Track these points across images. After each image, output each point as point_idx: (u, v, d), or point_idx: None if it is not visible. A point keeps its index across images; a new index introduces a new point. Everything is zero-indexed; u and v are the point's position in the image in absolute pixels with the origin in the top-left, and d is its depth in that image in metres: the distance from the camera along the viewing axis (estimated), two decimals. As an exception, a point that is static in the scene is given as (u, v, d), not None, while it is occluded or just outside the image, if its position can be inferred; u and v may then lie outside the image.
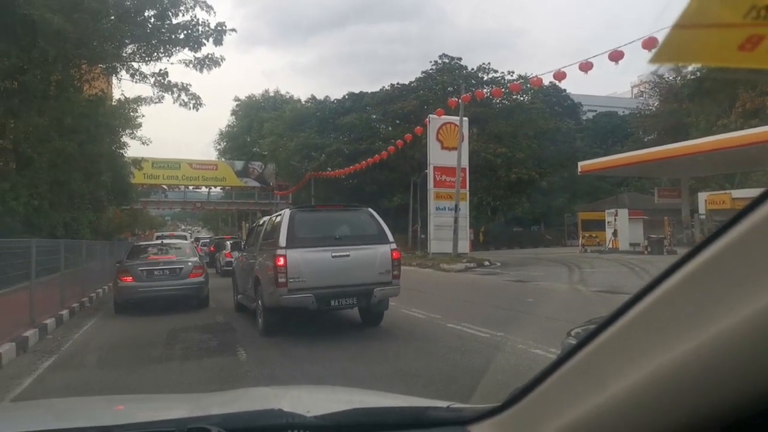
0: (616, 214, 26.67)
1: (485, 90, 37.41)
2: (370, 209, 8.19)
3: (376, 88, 48.93)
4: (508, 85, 38.87)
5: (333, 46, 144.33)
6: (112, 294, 11.70)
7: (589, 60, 16.83)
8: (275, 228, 7.82)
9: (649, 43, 14.53)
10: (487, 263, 22.54)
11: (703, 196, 30.97)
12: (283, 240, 7.26)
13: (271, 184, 53.14)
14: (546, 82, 26.36)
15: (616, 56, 15.46)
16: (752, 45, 0.57)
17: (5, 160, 15.01)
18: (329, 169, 43.61)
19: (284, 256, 7.12)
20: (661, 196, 35.08)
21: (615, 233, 26.33)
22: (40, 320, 8.34)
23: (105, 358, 6.77)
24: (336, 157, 44.49)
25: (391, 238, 7.79)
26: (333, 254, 7.31)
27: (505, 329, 7.43)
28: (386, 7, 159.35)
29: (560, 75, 18.11)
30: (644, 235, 26.17)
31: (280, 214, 8.03)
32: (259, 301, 7.95)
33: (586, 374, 0.85)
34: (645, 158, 29.17)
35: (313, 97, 54.23)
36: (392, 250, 7.64)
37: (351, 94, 49.89)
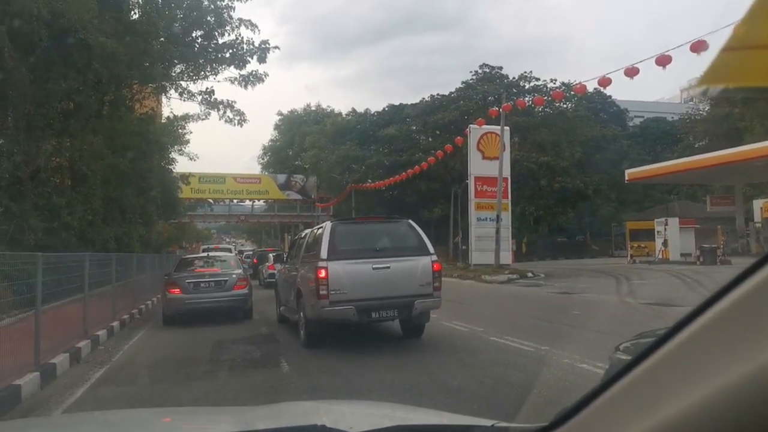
0: (666, 223, 25.73)
1: (527, 99, 36.92)
2: (410, 221, 8.17)
3: (416, 100, 49.08)
4: (551, 92, 38.25)
5: (374, 60, 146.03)
6: (160, 305, 12.05)
7: (635, 65, 16.46)
8: (317, 240, 7.89)
9: (697, 45, 14.08)
10: (530, 274, 22.10)
11: (758, 204, 29.61)
12: (324, 252, 7.32)
13: (312, 196, 53.87)
14: (590, 89, 25.96)
15: (663, 61, 15.02)
16: None
17: (62, 177, 15.75)
18: (370, 180, 43.88)
19: (326, 269, 7.17)
20: (714, 204, 33.70)
21: (665, 243, 25.38)
22: (93, 331, 8.66)
23: (153, 369, 6.95)
24: (376, 169, 44.78)
25: (431, 249, 7.74)
26: (374, 266, 7.32)
27: (551, 343, 7.24)
28: (427, 19, 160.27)
29: (605, 81, 17.69)
30: (696, 244, 25.15)
31: (321, 227, 8.11)
32: (302, 313, 8.03)
33: (638, 395, 0.81)
34: (696, 165, 28.13)
35: (354, 110, 54.86)
36: (433, 261, 7.59)
37: (391, 106, 50.22)
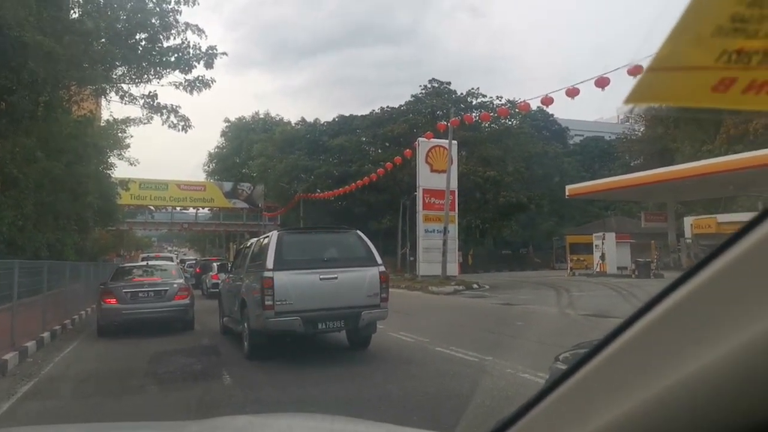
0: (603, 238, 26.86)
1: (474, 114, 37.86)
2: (358, 231, 8.17)
3: (366, 111, 49.47)
4: (497, 109, 39.38)
5: (324, 70, 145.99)
6: (95, 316, 11.50)
7: (575, 86, 17.22)
8: (263, 250, 7.77)
9: (634, 70, 14.97)
10: (475, 286, 22.51)
11: (689, 221, 31.32)
12: (270, 262, 7.21)
13: (259, 205, 53.01)
14: (534, 107, 26.98)
15: (602, 83, 15.79)
16: (725, 87, 0.59)
17: (-10, 180, 14.82)
18: (318, 190, 43.69)
19: (271, 278, 7.06)
20: (648, 220, 35.43)
21: (603, 257, 26.48)
22: (21, 343, 8.16)
23: (85, 382, 6.63)
24: (325, 179, 44.62)
25: (379, 260, 7.77)
26: (321, 276, 7.26)
27: (494, 353, 7.39)
28: (378, 32, 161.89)
29: (547, 100, 18.43)
30: (631, 258, 26.33)
31: (267, 236, 8.00)
32: (246, 324, 7.86)
33: (573, 404, 0.82)
34: (632, 182, 29.57)
35: (303, 120, 54.60)
36: (380, 272, 7.61)
37: (341, 117, 50.31)
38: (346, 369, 7.06)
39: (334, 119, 50.72)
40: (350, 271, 7.48)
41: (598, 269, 26.69)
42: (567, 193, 35.51)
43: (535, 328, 10.36)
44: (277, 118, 63.07)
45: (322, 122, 52.46)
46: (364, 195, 40.65)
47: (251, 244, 9.20)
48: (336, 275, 7.33)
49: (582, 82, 16.96)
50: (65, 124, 18.86)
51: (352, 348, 8.29)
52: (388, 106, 47.59)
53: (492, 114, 39.44)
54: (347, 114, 50.15)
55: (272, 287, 7.02)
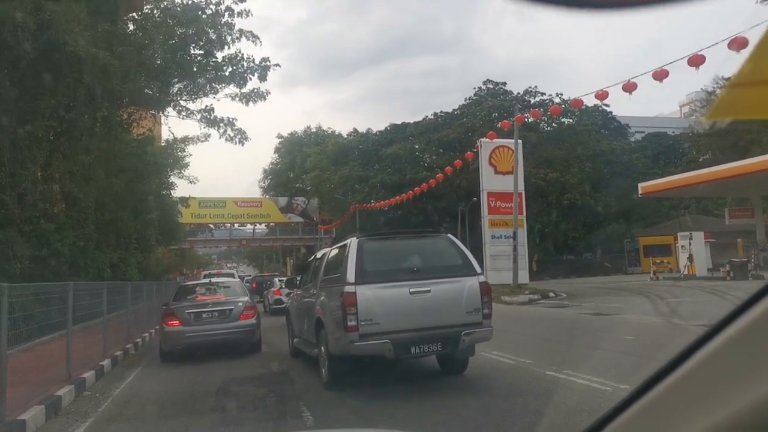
0: (690, 238, 24.49)
1: (526, 115, 36.06)
2: (450, 235, 6.98)
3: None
4: (549, 108, 37.45)
5: (371, 83, 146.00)
6: (158, 338, 10.81)
7: (632, 80, 16.28)
8: (340, 260, 6.68)
9: (695, 60, 13.98)
10: (552, 294, 20.83)
11: (775, 216, 28.47)
12: (351, 274, 6.11)
13: (315, 218, 52.81)
14: (589, 104, 25.40)
15: (660, 75, 14.97)
16: None
17: (51, 200, 14.60)
18: (373, 201, 42.81)
19: (354, 294, 5.95)
20: (733, 217, 32.55)
21: (690, 258, 24.11)
22: (78, 374, 7.40)
23: (146, 423, 5.71)
24: (380, 189, 43.78)
25: (478, 269, 6.53)
26: (411, 290, 6.09)
27: (626, 379, 5.99)
28: (423, 42, 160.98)
29: (602, 95, 17.65)
30: (711, 258, 23.96)
31: (344, 244, 6.90)
32: (323, 348, 6.78)
33: (652, 420, 0.80)
34: (713, 177, 27.05)
35: (355, 130, 54.04)
36: (481, 283, 6.35)
37: (393, 125, 49.50)
38: (444, 402, 5.87)
39: (386, 128, 49.97)
40: (445, 283, 6.27)
41: (685, 272, 24.33)
42: (640, 192, 33.24)
43: (652, 343, 8.80)
44: (329, 131, 63.00)
45: (374, 132, 51.79)
46: (420, 203, 39.47)
47: (323, 255, 8.15)
48: (428, 288, 6.14)
49: (639, 76, 16.03)
50: (125, 143, 18.76)
51: (445, 373, 7.08)
52: (441, 112, 46.43)
53: (544, 112, 37.56)
54: (399, 122, 49.26)
55: (355, 304, 5.91)
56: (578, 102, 19.83)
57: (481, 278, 6.43)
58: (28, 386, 6.07)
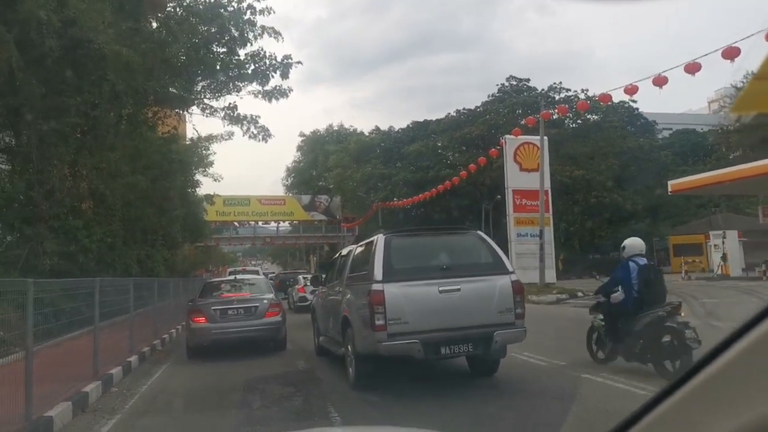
0: (724, 236, 23.76)
1: (553, 111, 35.43)
2: (480, 232, 6.77)
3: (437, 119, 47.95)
4: (576, 104, 36.76)
5: (391, 80, 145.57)
6: (185, 334, 10.83)
7: (663, 74, 15.89)
8: (367, 257, 6.51)
9: (730, 52, 13.45)
10: (580, 294, 20.40)
11: (810, 214, 27.48)
12: (378, 272, 5.93)
13: (337, 216, 52.85)
14: (617, 99, 24.83)
15: (692, 68, 14.58)
16: None
17: (79, 197, 14.74)
18: (396, 199, 42.64)
19: (382, 292, 5.78)
20: (767, 215, 31.56)
21: (724, 257, 23.40)
22: (105, 370, 7.39)
23: (174, 421, 5.64)
24: (402, 187, 43.60)
25: (510, 267, 6.30)
26: (441, 289, 5.90)
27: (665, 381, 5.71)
28: (443, 39, 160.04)
29: (632, 90, 17.24)
30: (744, 258, 23.22)
31: (371, 241, 6.73)
32: (350, 347, 6.63)
33: (676, 422, 0.81)
34: (747, 174, 26.23)
35: (377, 128, 53.94)
36: (513, 282, 6.12)
37: (415, 123, 49.23)
38: (475, 404, 5.68)
39: (408, 125, 49.72)
40: (476, 282, 6.06)
41: (719, 272, 23.62)
42: (669, 189, 32.43)
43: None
44: (351, 129, 63.02)
45: (396, 129, 51.58)
46: (443, 201, 39.14)
47: (349, 252, 8.00)
48: (459, 286, 5.94)
49: (670, 69, 15.64)
50: (151, 141, 18.90)
51: (475, 374, 6.87)
52: (464, 108, 45.98)
53: (571, 109, 36.89)
54: (420, 119, 48.95)
55: (383, 303, 5.74)
56: (606, 97, 19.36)
57: (513, 277, 6.19)
58: (55, 382, 6.05)
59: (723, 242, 23.68)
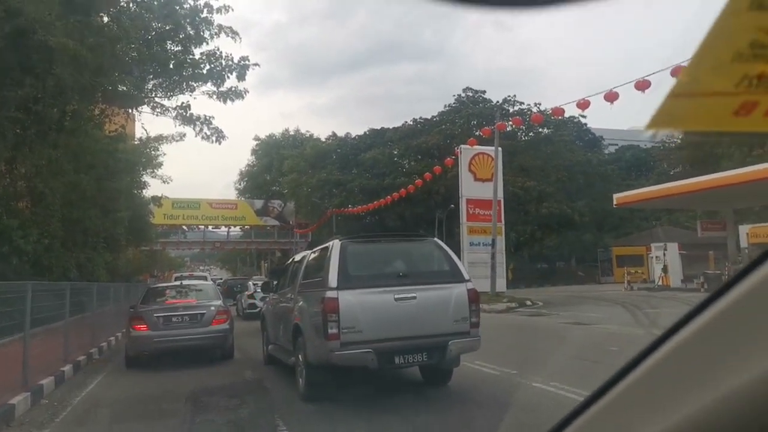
0: (665, 249, 24.77)
1: (508, 122, 36.23)
2: (437, 239, 6.70)
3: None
4: (530, 116, 37.73)
5: (351, 88, 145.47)
6: (124, 343, 10.30)
7: (614, 90, 16.46)
8: (321, 263, 6.33)
9: (678, 71, 14.06)
10: (529, 303, 20.78)
11: (744, 229, 29.08)
12: (333, 279, 5.77)
13: (290, 222, 52.17)
14: (568, 114, 25.60)
15: (642, 85, 15.13)
16: (747, 111, 0.61)
17: (15, 195, 13.90)
18: (351, 205, 42.52)
19: (336, 300, 5.62)
20: (705, 229, 33.12)
21: (665, 269, 24.37)
22: (35, 380, 6.89)
23: (108, 435, 5.28)
24: (357, 194, 43.54)
25: (466, 275, 6.25)
26: (396, 296, 5.79)
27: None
28: (403, 50, 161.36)
29: (584, 104, 17.76)
30: (682, 270, 24.30)
31: (326, 247, 6.55)
32: (300, 356, 6.42)
33: (607, 423, 0.82)
34: (687, 189, 27.50)
35: (334, 134, 53.67)
36: (469, 290, 6.07)
37: (372, 130, 49.29)
38: (428, 415, 5.60)
39: (365, 132, 49.73)
40: (431, 290, 5.98)
41: (659, 282, 24.57)
42: (615, 202, 33.68)
43: (634, 354, 8.66)
44: (307, 135, 62.46)
45: (353, 136, 51.47)
46: (398, 209, 39.35)
47: (302, 258, 7.78)
48: (414, 294, 5.84)
49: (621, 85, 16.23)
50: (96, 139, 18.08)
51: (427, 383, 6.78)
52: (420, 118, 46.40)
53: (525, 121, 37.82)
54: (378, 127, 49.05)
55: (337, 311, 5.57)
56: (559, 110, 19.88)
57: (470, 285, 6.15)
58: (-23, 394, 5.58)
59: (664, 254, 24.68)
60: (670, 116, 0.63)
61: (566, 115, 25.93)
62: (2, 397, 5.90)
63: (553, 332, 12.43)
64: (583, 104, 17.86)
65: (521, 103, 42.04)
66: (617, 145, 61.00)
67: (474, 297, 6.09)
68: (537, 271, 44.14)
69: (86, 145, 16.75)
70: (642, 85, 15.21)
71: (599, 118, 71.54)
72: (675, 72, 14.47)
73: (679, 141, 44.95)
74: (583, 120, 43.89)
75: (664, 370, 0.73)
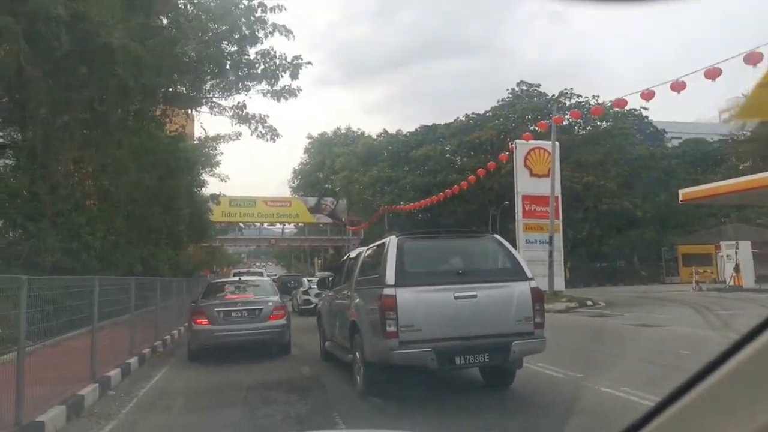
0: (737, 247, 23.31)
1: (567, 115, 35.01)
2: (497, 236, 6.45)
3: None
4: (588, 109, 36.35)
5: (401, 85, 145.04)
6: (186, 337, 10.57)
7: (681, 79, 15.49)
8: (377, 260, 6.21)
9: (753, 57, 13.15)
10: (589, 303, 20.02)
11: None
12: (390, 276, 5.63)
13: (343, 219, 52.61)
14: (629, 106, 24.33)
15: (713, 74, 14.36)
16: None
17: (83, 193, 14.54)
18: (402, 202, 42.34)
19: (393, 297, 5.48)
20: (780, 226, 31.12)
21: (737, 268, 22.94)
22: (102, 372, 7.12)
23: (171, 428, 5.34)
24: (409, 191, 43.35)
25: (529, 273, 5.97)
26: (456, 294, 5.60)
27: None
28: (452, 45, 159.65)
29: (648, 95, 16.77)
30: (755, 270, 22.75)
31: (382, 243, 6.43)
32: (358, 354, 6.34)
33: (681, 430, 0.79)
34: (761, 184, 25.83)
35: (385, 131, 53.68)
36: (532, 289, 5.81)
37: (423, 127, 48.98)
38: (490, 418, 5.39)
39: (416, 129, 49.49)
40: (493, 288, 5.75)
41: (731, 282, 23.16)
42: (681, 198, 32.11)
43: (708, 359, 8.09)
44: (359, 132, 62.79)
45: (404, 133, 51.31)
46: (451, 206, 38.87)
47: (358, 254, 7.70)
48: (475, 293, 5.63)
49: (689, 74, 15.26)
50: (158, 139, 18.71)
51: (489, 385, 6.55)
52: (473, 113, 45.68)
53: (584, 113, 36.45)
54: (429, 124, 48.66)
55: (395, 308, 5.44)
56: (622, 102, 18.96)
57: (533, 283, 5.87)
58: (49, 384, 5.78)
59: (736, 253, 23.23)
60: (760, 106, 0.62)
61: (626, 107, 24.89)
62: (72, 388, 6.11)
63: (618, 334, 11.87)
64: (648, 95, 16.94)
65: (578, 96, 40.70)
66: (681, 138, 57.96)
67: (538, 296, 5.81)
68: (596, 270, 42.64)
69: (149, 144, 17.34)
70: (712, 74, 14.42)
71: (661, 110, 68.25)
72: (749, 58, 13.55)
73: (749, 133, 42.40)
74: (644, 112, 41.96)
75: (742, 377, 0.69)
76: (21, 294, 4.82)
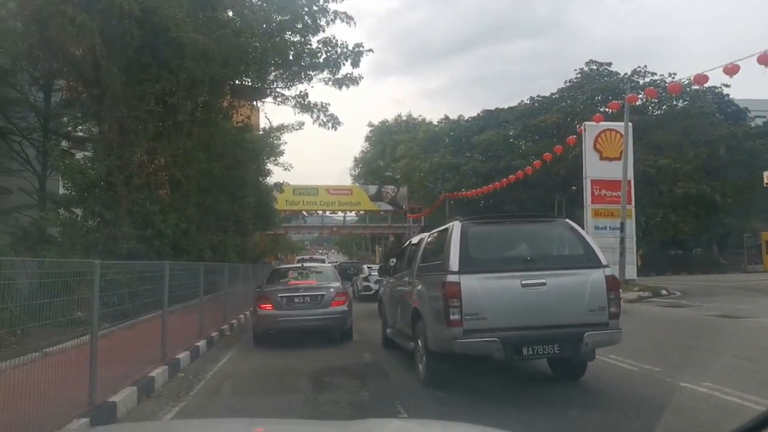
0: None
1: (641, 94, 33.07)
2: (569, 221, 6.11)
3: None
4: (664, 87, 34.19)
5: (463, 69, 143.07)
6: (251, 321, 10.83)
7: None
8: (441, 246, 6.03)
9: None
10: (664, 292, 19.00)
11: None
12: (454, 262, 5.44)
13: (403, 207, 52.53)
14: (709, 83, 22.44)
15: None
16: None
17: (155, 182, 15.16)
18: (464, 189, 41.72)
19: (458, 284, 5.29)
20: None
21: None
22: (172, 354, 7.37)
23: (236, 412, 5.42)
24: (471, 177, 42.65)
25: (604, 260, 5.62)
26: (523, 282, 5.34)
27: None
28: (517, 26, 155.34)
29: (732, 69, 15.38)
30: None
31: (445, 228, 6.23)
32: (420, 342, 6.21)
33: None
34: None
35: (447, 117, 53.02)
36: (607, 277, 5.46)
37: (486, 112, 47.94)
38: (561, 412, 5.13)
39: (478, 114, 48.55)
40: (564, 275, 5.46)
41: (827, 272, 21.29)
42: (765, 181, 29.99)
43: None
44: (419, 119, 62.36)
45: (465, 118, 50.43)
46: (515, 192, 37.84)
47: (420, 240, 7.55)
48: (544, 280, 5.36)
49: None
50: (225, 130, 19.23)
51: (558, 377, 6.25)
52: (538, 95, 44.25)
53: (660, 92, 34.18)
54: (491, 108, 47.51)
55: (459, 296, 5.25)
56: (702, 78, 17.61)
57: (608, 271, 5.52)
58: (122, 365, 6.03)
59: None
60: None
61: (707, 84, 23.14)
62: (143, 369, 6.35)
63: (698, 325, 11.13)
64: (731, 69, 15.51)
65: (653, 74, 38.51)
66: (765, 117, 53.62)
67: (613, 284, 5.46)
68: (670, 258, 40.47)
69: (216, 135, 17.86)
70: None
71: (743, 88, 63.15)
72: None
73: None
74: (725, 90, 39.06)
75: None
76: (93, 278, 5.01)
